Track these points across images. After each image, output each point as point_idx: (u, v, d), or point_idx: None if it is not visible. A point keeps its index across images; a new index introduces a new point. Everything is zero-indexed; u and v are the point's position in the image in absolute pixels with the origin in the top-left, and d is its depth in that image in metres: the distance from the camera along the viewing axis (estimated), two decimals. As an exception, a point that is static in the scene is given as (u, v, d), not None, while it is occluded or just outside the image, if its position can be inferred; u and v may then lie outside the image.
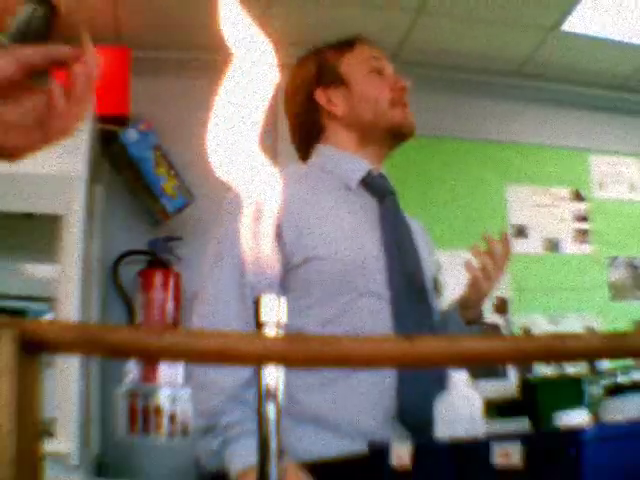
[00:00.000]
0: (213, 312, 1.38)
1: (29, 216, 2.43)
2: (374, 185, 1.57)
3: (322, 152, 1.60)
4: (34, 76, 0.76)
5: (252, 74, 0.53)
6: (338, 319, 1.40)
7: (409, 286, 1.48)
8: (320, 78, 1.61)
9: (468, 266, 1.51)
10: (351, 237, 1.46)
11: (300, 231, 1.42)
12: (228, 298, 1.38)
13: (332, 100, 1.59)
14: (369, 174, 1.57)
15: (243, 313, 1.34)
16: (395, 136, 1.59)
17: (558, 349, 0.41)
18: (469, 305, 1.55)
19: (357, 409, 1.38)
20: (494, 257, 1.50)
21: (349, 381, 1.38)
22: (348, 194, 1.54)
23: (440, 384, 1.29)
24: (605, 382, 1.64)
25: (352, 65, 1.60)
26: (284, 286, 1.39)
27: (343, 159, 1.58)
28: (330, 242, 1.43)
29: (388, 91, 1.58)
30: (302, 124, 1.65)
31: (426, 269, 1.55)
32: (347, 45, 1.63)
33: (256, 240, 0.51)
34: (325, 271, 1.41)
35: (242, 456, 1.27)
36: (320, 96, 1.59)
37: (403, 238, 1.55)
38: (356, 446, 1.32)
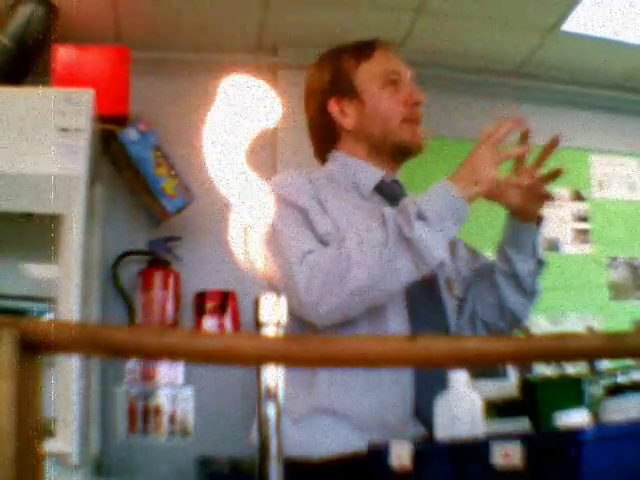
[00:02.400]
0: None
1: (29, 216, 2.42)
2: (387, 191, 1.59)
3: (336, 159, 1.62)
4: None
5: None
6: (364, 322, 1.43)
7: (421, 286, 1.50)
8: (334, 87, 1.60)
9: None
10: None
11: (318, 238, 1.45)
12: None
13: (344, 111, 1.59)
14: (382, 181, 1.59)
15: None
16: (403, 152, 1.61)
17: (558, 349, 0.41)
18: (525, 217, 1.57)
19: (379, 404, 1.41)
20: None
21: (370, 377, 1.41)
22: (362, 200, 1.57)
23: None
24: (605, 382, 1.63)
25: (367, 77, 1.59)
26: None
27: (356, 167, 1.59)
28: None
29: (401, 107, 1.57)
30: (317, 129, 1.66)
31: (438, 271, 1.56)
32: (366, 52, 1.61)
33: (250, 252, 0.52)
34: None
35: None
36: (333, 106, 1.60)
37: None
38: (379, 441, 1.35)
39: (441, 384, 1.33)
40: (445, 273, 1.59)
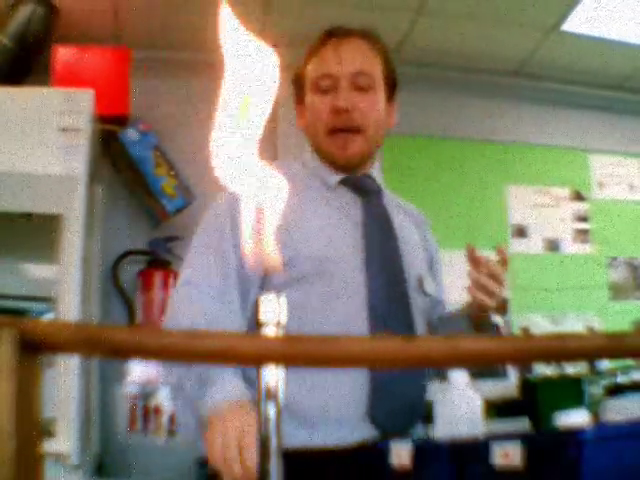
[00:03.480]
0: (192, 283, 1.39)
1: (29, 216, 2.42)
2: (356, 185, 1.57)
3: (308, 150, 1.61)
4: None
5: (251, 78, 0.52)
6: (314, 316, 1.39)
7: (387, 285, 1.47)
8: (295, 91, 1.60)
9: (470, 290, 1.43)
10: (329, 236, 1.46)
11: (281, 232, 1.40)
12: (210, 275, 1.40)
13: (299, 113, 1.60)
14: (350, 176, 1.56)
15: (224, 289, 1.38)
16: (335, 165, 1.56)
17: (558, 349, 0.41)
18: (480, 316, 1.48)
19: (328, 401, 1.36)
20: (493, 274, 1.42)
21: (322, 373, 1.37)
22: (330, 193, 1.55)
23: (421, 389, 1.28)
24: (605, 382, 1.63)
25: (307, 81, 1.56)
26: (264, 284, 1.40)
27: (319, 163, 1.58)
28: (308, 241, 1.43)
29: (325, 116, 1.51)
30: None
31: (409, 267, 1.52)
32: (314, 50, 1.56)
33: (258, 242, 0.51)
34: (305, 269, 1.41)
35: (222, 392, 1.24)
36: (295, 109, 1.61)
37: (385, 237, 1.53)
38: (326, 439, 1.32)
39: (402, 390, 1.31)
40: (417, 270, 1.55)
